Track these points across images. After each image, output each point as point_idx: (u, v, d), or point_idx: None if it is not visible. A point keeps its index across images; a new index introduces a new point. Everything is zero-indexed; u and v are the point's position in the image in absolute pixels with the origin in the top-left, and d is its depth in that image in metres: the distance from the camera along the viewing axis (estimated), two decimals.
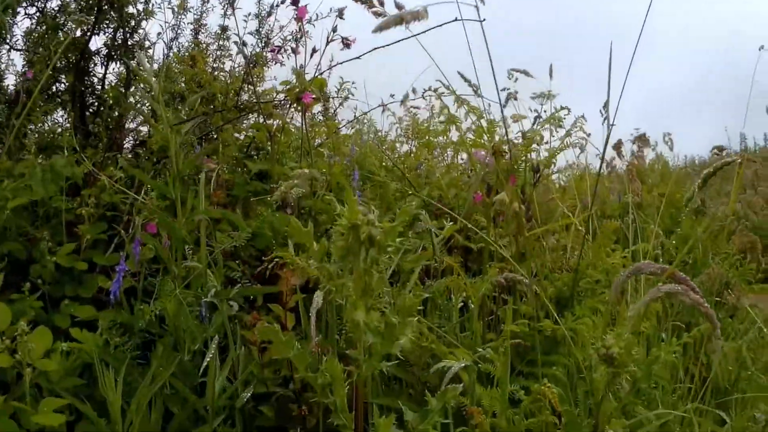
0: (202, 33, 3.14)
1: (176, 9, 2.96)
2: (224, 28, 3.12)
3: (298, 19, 2.38)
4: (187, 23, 3.07)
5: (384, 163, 3.08)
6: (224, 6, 3.01)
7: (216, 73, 3.03)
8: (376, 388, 2.03)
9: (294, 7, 2.37)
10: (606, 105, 2.18)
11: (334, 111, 3.31)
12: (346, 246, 1.21)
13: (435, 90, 2.10)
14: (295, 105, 2.25)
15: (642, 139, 2.74)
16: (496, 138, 2.06)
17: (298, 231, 1.26)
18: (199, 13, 3.11)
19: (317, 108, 3.21)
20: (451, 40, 2.20)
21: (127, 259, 2.08)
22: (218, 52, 3.13)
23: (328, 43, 2.38)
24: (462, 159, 3.18)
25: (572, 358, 1.95)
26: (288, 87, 2.22)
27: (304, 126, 2.19)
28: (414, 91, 2.30)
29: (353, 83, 3.12)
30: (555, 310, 1.93)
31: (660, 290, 1.58)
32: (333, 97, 3.06)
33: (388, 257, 1.25)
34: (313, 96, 2.15)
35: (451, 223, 2.16)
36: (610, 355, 1.46)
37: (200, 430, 1.88)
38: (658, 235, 2.35)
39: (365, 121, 3.83)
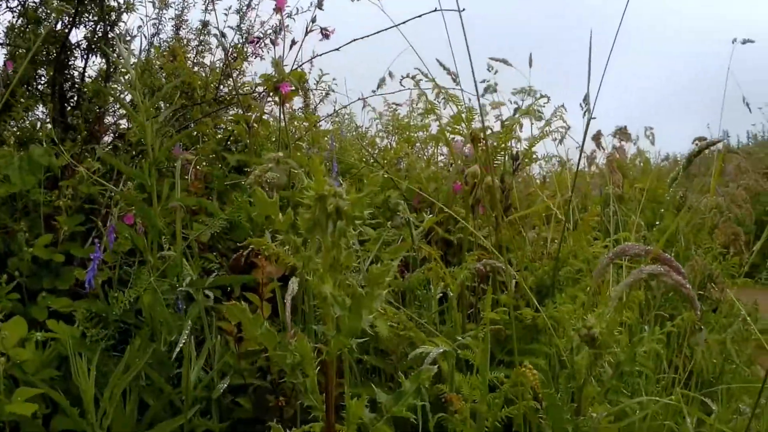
0: (183, 29, 3.13)
1: (157, 3, 2.95)
2: (205, 24, 3.11)
3: (278, 9, 2.37)
4: (168, 18, 3.07)
5: (363, 158, 3.07)
6: (205, 1, 3.01)
7: (197, 68, 3.02)
8: (354, 380, 2.02)
9: None
10: (586, 98, 2.18)
11: (315, 107, 3.31)
12: (312, 218, 1.19)
13: (413, 77, 2.09)
14: (273, 95, 2.23)
15: (623, 133, 2.73)
16: (475, 126, 2.05)
17: (263, 202, 1.23)
18: (180, 9, 3.11)
19: (298, 104, 3.21)
20: (431, 33, 2.20)
21: (105, 252, 2.07)
22: (199, 48, 3.12)
23: (307, 33, 2.37)
24: (442, 155, 3.17)
25: (553, 347, 1.94)
26: (266, 78, 2.20)
27: (281, 116, 2.18)
28: (391, 75, 2.28)
29: (334, 79, 3.12)
30: (535, 300, 1.91)
31: (643, 271, 1.57)
32: (312, 90, 3.05)
33: (358, 232, 1.23)
34: (291, 87, 2.14)
35: (430, 215, 2.15)
36: (591, 336, 1.43)
37: (175, 421, 1.85)
38: (639, 228, 2.34)
39: (345, 115, 3.83)
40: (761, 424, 2.02)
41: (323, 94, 3.18)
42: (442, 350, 1.64)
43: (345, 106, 3.19)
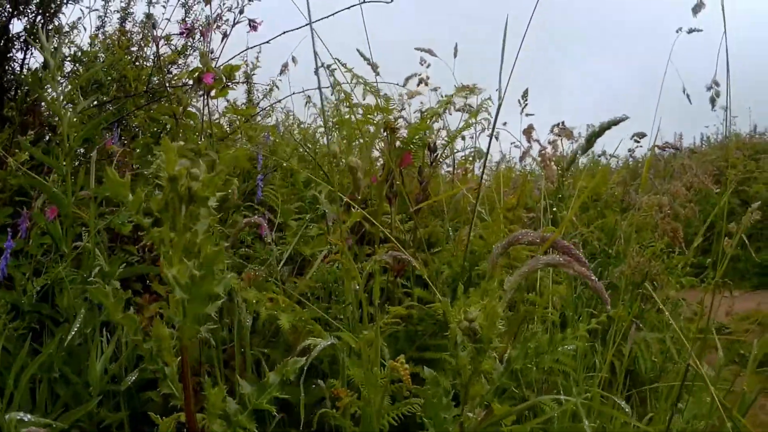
0: (129, 21, 3.12)
1: None
2: (149, 16, 3.09)
3: (207, 1, 2.36)
4: (114, 11, 3.05)
5: (297, 153, 3.03)
6: None
7: (140, 61, 3.00)
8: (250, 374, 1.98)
9: None
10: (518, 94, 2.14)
11: (258, 101, 3.29)
12: (165, 199, 1.16)
13: (328, 66, 2.06)
14: (197, 87, 2.22)
15: (562, 129, 2.67)
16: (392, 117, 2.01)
17: (113, 181, 1.19)
18: (126, 1, 3.10)
19: (242, 98, 3.20)
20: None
21: (19, 240, 2.05)
22: (142, 42, 3.11)
23: (234, 24, 2.36)
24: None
25: None
26: (192, 71, 2.20)
27: (205, 106, 2.17)
28: (294, 60, 2.24)
29: (279, 77, 3.10)
30: (451, 294, 1.87)
31: (540, 261, 1.50)
32: (241, 82, 3.03)
33: (208, 211, 1.20)
34: (215, 77, 2.12)
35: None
36: (472, 329, 1.39)
37: (78, 411, 1.83)
38: (575, 225, 2.30)
39: (283, 109, 3.80)
40: (683, 420, 1.98)
41: (267, 90, 3.18)
42: (330, 342, 1.61)
43: (279, 100, 3.17)
